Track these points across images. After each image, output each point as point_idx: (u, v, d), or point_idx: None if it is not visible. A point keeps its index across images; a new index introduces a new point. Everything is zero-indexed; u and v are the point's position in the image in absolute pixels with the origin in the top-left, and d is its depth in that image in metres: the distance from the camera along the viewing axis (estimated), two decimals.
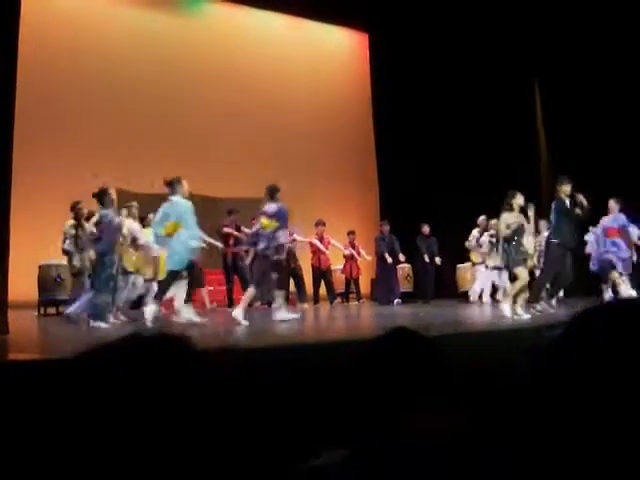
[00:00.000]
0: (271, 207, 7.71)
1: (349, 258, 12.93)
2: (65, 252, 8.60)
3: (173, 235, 7.31)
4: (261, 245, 7.70)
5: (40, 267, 9.97)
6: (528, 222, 8.37)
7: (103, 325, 7.08)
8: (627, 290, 9.28)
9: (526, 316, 7.76)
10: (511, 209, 8.04)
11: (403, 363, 1.36)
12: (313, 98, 15.38)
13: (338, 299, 12.79)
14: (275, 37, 15.21)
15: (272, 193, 7.82)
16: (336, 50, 16.29)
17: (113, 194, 7.54)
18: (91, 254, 8.25)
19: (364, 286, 13.75)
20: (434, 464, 1.22)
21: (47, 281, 9.84)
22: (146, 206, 9.35)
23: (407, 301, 12.50)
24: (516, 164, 12.33)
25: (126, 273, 8.37)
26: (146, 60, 13.59)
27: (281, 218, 7.67)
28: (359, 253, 12.93)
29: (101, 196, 7.49)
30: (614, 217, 9.59)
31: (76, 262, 8.48)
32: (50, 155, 11.94)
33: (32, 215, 10.88)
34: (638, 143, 11.36)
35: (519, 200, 8.06)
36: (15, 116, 6.39)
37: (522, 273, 8.00)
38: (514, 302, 7.90)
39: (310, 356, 4.16)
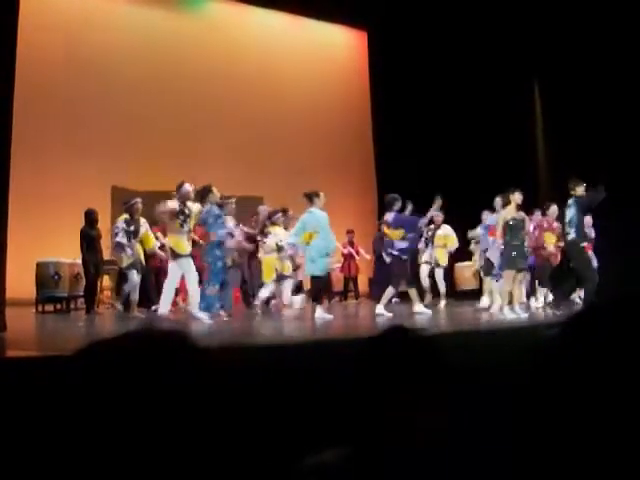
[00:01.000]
0: (389, 216, 8.72)
1: (348, 257, 12.95)
2: (119, 245, 8.73)
3: (310, 244, 8.13)
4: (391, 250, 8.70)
5: (38, 264, 9.95)
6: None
7: (205, 318, 7.31)
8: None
9: (524, 315, 7.77)
10: (508, 204, 8.04)
11: (399, 362, 1.36)
12: (312, 96, 15.36)
13: (336, 298, 12.79)
14: (274, 35, 15.19)
15: (390, 203, 8.82)
16: (335, 48, 16.27)
17: (216, 192, 7.95)
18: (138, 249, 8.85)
19: (362, 285, 13.75)
20: (433, 463, 1.22)
21: (45, 278, 9.83)
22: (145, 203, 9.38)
23: (405, 300, 12.48)
24: (515, 163, 12.32)
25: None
26: (146, 58, 13.57)
27: (406, 225, 8.71)
28: (358, 252, 12.96)
29: (204, 193, 7.87)
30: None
31: (128, 256, 8.70)
32: (48, 154, 11.93)
33: (31, 213, 10.87)
34: (637, 142, 11.36)
35: (517, 197, 8.04)
36: (13, 115, 6.39)
37: (508, 276, 7.92)
38: (510, 302, 7.89)
39: (308, 355, 4.16)
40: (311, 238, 8.16)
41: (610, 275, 9.62)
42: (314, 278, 8.31)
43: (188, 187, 8.19)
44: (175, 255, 8.08)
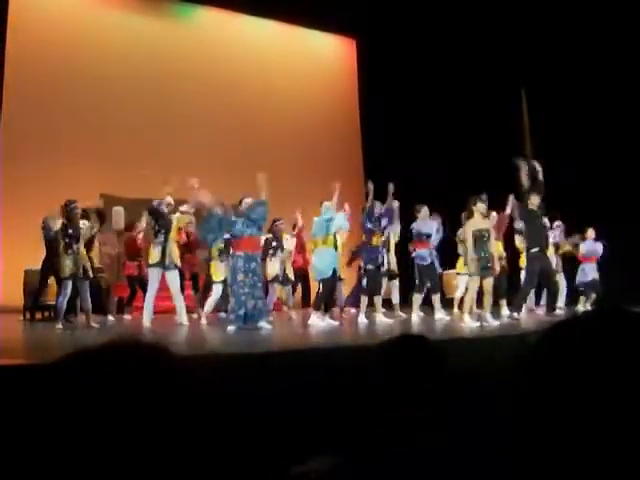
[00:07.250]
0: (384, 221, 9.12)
1: None
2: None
3: (317, 249, 8.56)
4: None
5: (26, 272, 9.92)
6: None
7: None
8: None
9: (495, 323, 7.69)
10: (471, 216, 8.02)
11: (412, 368, 1.39)
12: (301, 103, 15.41)
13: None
14: (264, 43, 15.23)
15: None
16: (325, 55, 16.34)
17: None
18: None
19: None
20: (432, 465, 1.22)
21: (32, 286, 9.79)
22: (130, 211, 9.41)
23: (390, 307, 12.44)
24: (502, 171, 12.38)
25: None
26: (135, 66, 13.57)
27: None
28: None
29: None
30: (424, 224, 9.47)
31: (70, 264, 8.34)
32: (37, 162, 11.84)
33: (19, 221, 10.79)
34: (622, 150, 11.46)
35: (481, 207, 8.04)
36: (1, 126, 6.37)
37: (473, 284, 7.87)
38: (470, 311, 7.90)
39: (295, 362, 4.15)
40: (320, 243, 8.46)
41: (615, 289, 9.78)
42: (322, 282, 8.47)
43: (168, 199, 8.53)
44: (147, 265, 8.52)
